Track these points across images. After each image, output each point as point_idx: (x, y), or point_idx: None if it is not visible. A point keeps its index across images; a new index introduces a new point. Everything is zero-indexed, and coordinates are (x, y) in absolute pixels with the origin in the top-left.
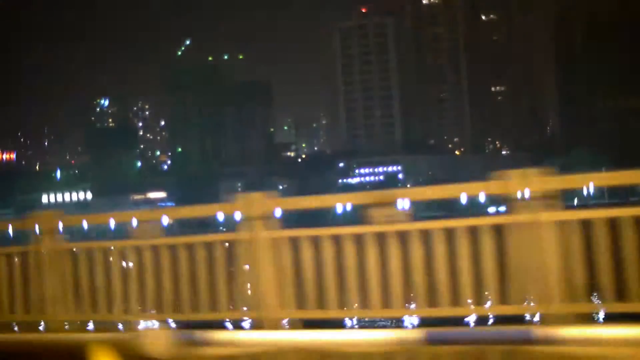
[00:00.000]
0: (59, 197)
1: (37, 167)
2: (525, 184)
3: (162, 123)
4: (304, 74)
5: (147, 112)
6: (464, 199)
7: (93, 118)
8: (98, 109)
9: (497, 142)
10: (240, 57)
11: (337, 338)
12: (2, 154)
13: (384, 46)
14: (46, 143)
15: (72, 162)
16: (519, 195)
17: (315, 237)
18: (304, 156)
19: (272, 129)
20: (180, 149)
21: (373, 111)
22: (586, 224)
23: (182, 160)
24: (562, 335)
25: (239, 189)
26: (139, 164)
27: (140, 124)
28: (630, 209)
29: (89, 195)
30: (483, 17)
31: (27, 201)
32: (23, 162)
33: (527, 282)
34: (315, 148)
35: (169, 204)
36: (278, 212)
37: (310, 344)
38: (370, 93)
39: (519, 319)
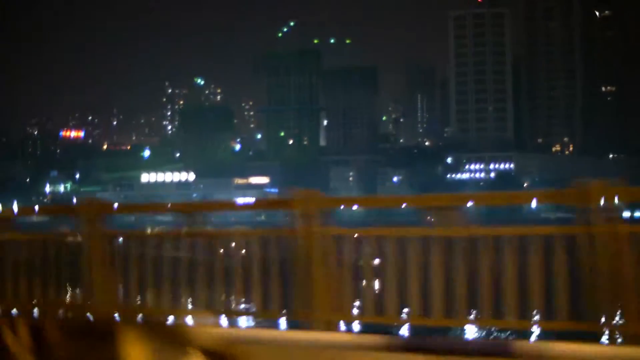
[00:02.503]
0: (159, 177)
1: (105, 147)
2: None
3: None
4: (409, 61)
5: (226, 95)
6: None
7: (164, 99)
8: (171, 90)
9: (605, 145)
10: (348, 41)
11: None
12: (71, 132)
13: (499, 37)
14: (115, 123)
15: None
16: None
17: None
18: (406, 147)
19: (377, 117)
20: (282, 133)
21: (486, 105)
22: None
23: (280, 145)
24: None
25: (350, 178)
26: (238, 146)
27: (229, 107)
28: None
29: (191, 176)
30: (597, 13)
31: (124, 179)
32: (90, 141)
33: None
34: (419, 139)
35: (271, 190)
36: None
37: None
38: (484, 85)
39: None
